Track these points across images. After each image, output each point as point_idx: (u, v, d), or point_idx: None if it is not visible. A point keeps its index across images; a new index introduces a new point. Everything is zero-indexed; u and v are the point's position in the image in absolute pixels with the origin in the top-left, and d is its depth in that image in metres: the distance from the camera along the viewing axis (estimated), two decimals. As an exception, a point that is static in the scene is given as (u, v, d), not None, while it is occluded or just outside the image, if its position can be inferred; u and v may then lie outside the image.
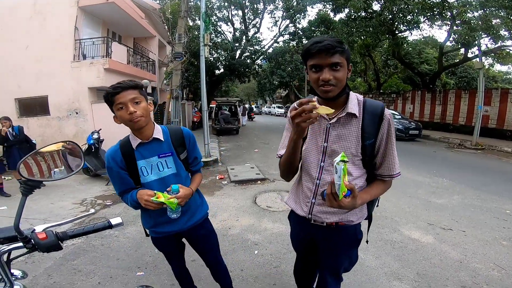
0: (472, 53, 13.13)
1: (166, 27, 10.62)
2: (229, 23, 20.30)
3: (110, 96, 1.32)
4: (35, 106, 8.00)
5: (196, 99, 19.38)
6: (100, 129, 6.17)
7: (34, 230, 0.94)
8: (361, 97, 1.27)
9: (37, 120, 7.88)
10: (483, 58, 11.33)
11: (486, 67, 15.43)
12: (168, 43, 14.30)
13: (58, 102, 7.71)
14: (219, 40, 18.85)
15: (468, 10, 10.61)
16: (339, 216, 1.31)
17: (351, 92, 1.25)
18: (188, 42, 9.59)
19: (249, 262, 2.69)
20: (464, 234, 3.24)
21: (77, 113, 7.65)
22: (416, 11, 11.64)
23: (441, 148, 9.95)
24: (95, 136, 5.90)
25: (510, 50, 12.93)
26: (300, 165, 1.39)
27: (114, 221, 1.08)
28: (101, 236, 3.20)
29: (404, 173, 5.81)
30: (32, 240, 0.90)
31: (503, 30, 10.07)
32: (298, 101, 1.09)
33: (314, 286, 1.79)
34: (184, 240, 1.79)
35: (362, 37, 14.75)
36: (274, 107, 34.45)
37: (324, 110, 1.01)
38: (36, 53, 7.62)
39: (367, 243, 1.58)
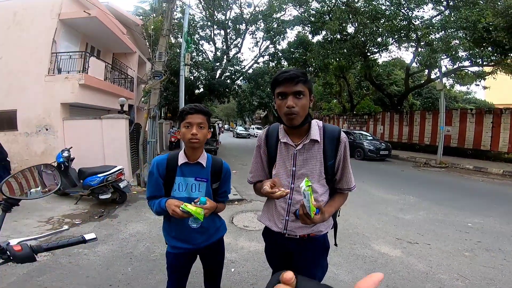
0: (435, 74, 14.12)
1: (147, 43, 10.56)
2: (211, 42, 20.45)
3: (184, 114, 1.52)
4: (2, 120, 7.56)
5: (174, 118, 19.14)
6: (71, 147, 5.94)
7: (9, 243, 0.97)
8: (320, 123, 1.43)
9: (4, 135, 7.32)
10: (444, 79, 12.27)
11: (447, 87, 16.51)
12: (148, 60, 14.10)
13: (28, 117, 7.34)
14: (200, 58, 18.95)
15: (431, 32, 11.60)
16: (310, 229, 1.44)
17: (312, 120, 1.40)
18: (169, 60, 9.56)
19: (226, 280, 2.67)
20: (429, 247, 3.44)
21: (47, 129, 7.28)
22: (385, 33, 12.58)
23: (408, 167, 10.51)
24: (65, 154, 5.67)
25: (468, 70, 14.17)
26: None
27: (88, 236, 1.09)
28: (69, 253, 3.10)
29: (374, 192, 6.28)
30: (8, 252, 0.93)
31: (461, 51, 10.94)
32: (270, 183, 1.28)
33: None
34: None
35: (337, 59, 15.42)
36: (253, 128, 34.07)
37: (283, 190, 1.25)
38: (9, 65, 7.34)
39: (336, 245, 1.70)
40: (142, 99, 8.79)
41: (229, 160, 11.82)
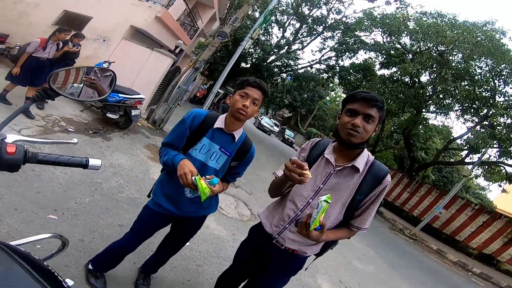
0: (470, 158, 13.23)
1: (228, 4, 10.32)
2: (281, 29, 19.96)
3: (245, 83, 1.47)
4: (73, 21, 8.02)
5: (209, 77, 19.14)
6: (113, 61, 6.15)
7: (5, 138, 0.78)
8: (372, 157, 1.38)
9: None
10: (475, 167, 11.67)
11: (471, 176, 15.47)
12: (220, 19, 14.17)
13: (96, 26, 7.78)
14: (263, 38, 18.62)
15: (505, 115, 10.17)
16: (299, 246, 1.45)
17: (365, 150, 1.36)
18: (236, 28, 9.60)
19: (175, 250, 2.77)
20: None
21: (104, 40, 7.71)
22: (459, 97, 11.20)
23: (384, 226, 10.69)
24: (105, 65, 5.84)
25: (504, 168, 12.71)
26: (287, 192, 1.51)
27: (92, 161, 0.88)
28: None
29: None
30: None
31: None
32: (295, 159, 1.16)
33: None
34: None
35: (390, 101, 13.80)
36: (272, 123, 29.73)
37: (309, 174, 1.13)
38: None
39: (305, 270, 1.73)
40: (194, 49, 8.96)
41: None
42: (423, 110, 14.03)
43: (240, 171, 1.70)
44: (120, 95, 5.19)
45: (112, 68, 6.09)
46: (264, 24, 8.22)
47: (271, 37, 19.88)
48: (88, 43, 7.63)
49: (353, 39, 17.35)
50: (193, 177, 1.32)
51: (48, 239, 0.89)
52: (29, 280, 0.57)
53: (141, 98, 5.52)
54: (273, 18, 17.86)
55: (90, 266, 1.88)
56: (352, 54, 17.98)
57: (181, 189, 1.48)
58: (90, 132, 4.59)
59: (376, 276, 4.81)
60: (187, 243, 2.75)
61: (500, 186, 15.58)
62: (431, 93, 12.76)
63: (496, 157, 11.79)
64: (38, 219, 2.19)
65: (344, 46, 17.65)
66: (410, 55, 13.96)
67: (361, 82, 16.27)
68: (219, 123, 1.52)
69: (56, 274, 0.65)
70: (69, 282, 1.75)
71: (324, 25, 18.52)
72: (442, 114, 13.38)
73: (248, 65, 19.07)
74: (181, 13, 9.80)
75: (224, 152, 1.55)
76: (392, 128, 19.77)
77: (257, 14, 17.03)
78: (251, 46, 17.55)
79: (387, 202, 14.32)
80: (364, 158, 1.33)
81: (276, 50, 18.73)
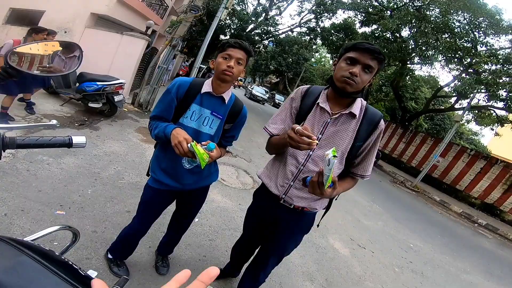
0: (459, 104, 13.67)
1: None
2: None
3: (226, 45, 1.41)
4: (25, 18, 7.48)
5: (189, 54, 18.54)
6: (83, 51, 5.74)
7: None
8: (364, 102, 1.37)
9: (21, 29, 7.16)
10: (466, 112, 11.93)
11: (463, 122, 15.93)
12: None
13: (52, 19, 7.14)
14: (239, 8, 18.14)
15: (488, 62, 10.60)
16: (308, 203, 1.43)
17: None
18: (208, 0, 9.10)
19: (186, 228, 2.79)
20: (372, 255, 3.77)
21: (65, 32, 7.14)
22: (441, 49, 11.55)
23: (386, 180, 10.89)
24: None
25: (495, 112, 13.26)
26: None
27: (76, 139, 0.85)
28: (31, 160, 2.82)
29: (350, 192, 6.40)
30: None
31: (504, 90, 10.35)
32: (299, 129, 1.09)
33: (246, 266, 1.93)
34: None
35: None
36: (261, 90, 28.24)
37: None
38: None
39: (318, 226, 1.73)
40: (167, 28, 8.63)
41: None
42: (408, 62, 14.44)
43: (235, 134, 1.67)
44: (98, 83, 4.97)
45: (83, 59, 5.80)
46: None
47: (247, 6, 19.48)
48: (50, 37, 7.20)
49: None
50: (189, 144, 1.26)
51: (60, 234, 0.96)
52: (44, 272, 0.55)
53: (121, 83, 5.31)
54: None
55: (109, 255, 1.90)
56: (331, 15, 17.80)
57: (179, 161, 1.43)
58: (76, 124, 4.45)
59: (385, 232, 4.86)
60: (196, 219, 2.84)
61: (492, 129, 16.07)
62: (413, 46, 13.07)
63: (485, 101, 12.16)
64: (46, 216, 2.20)
65: (322, 7, 17.34)
66: (388, 11, 14.07)
67: (343, 41, 16.25)
68: (207, 87, 1.47)
69: (75, 266, 0.62)
70: (93, 273, 1.80)
71: None
72: (427, 65, 13.77)
73: (228, 37, 18.60)
74: None
75: (216, 116, 1.51)
76: (380, 81, 20.07)
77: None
78: (228, 18, 17.05)
79: (385, 155, 14.57)
80: (358, 104, 1.32)
81: (254, 19, 18.26)
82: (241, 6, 18.70)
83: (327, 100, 1.34)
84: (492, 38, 11.68)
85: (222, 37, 18.28)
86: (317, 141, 1.08)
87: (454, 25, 11.77)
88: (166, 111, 1.47)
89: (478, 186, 10.94)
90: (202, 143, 1.33)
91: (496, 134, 16.86)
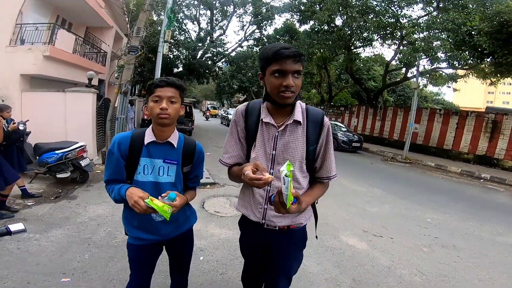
0: (411, 73, 14.69)
1: (127, 19, 10.10)
2: (195, 22, 19.79)
3: (153, 86, 1.35)
4: None
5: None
6: (28, 120, 5.36)
7: None
8: (304, 105, 1.35)
9: None
10: (419, 78, 12.78)
11: (421, 87, 17.13)
12: (126, 36, 13.62)
13: None
14: (182, 38, 18.25)
15: (416, 31, 11.91)
16: (290, 219, 1.38)
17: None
18: (148, 37, 9.32)
19: (194, 268, 2.59)
20: (392, 241, 3.60)
21: (3, 100, 6.60)
22: (372, 28, 12.71)
23: (377, 160, 10.98)
24: (21, 127, 5.14)
25: (443, 72, 14.98)
26: None
27: (14, 227, 0.90)
28: (17, 239, 2.85)
29: (345, 183, 6.40)
30: None
31: (441, 52, 11.39)
32: (252, 166, 1.11)
33: None
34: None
35: (321, 50, 15.59)
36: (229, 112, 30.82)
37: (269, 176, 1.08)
38: None
39: (317, 238, 1.67)
40: (116, 74, 8.46)
41: (204, 142, 11.80)
42: (352, 48, 15.46)
43: (198, 173, 1.62)
44: (57, 152, 4.74)
45: (31, 127, 5.35)
46: (171, 24, 8.02)
47: (189, 34, 19.64)
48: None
49: (263, 8, 18.07)
50: (145, 201, 1.23)
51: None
52: None
53: (82, 146, 5.08)
54: (180, 15, 17.65)
55: None
56: (270, 22, 18.71)
57: (148, 216, 1.41)
58: (52, 198, 4.29)
59: (395, 213, 4.70)
60: (201, 258, 2.85)
61: (449, 87, 17.36)
62: (349, 32, 14.06)
63: (430, 65, 13.42)
64: (54, 285, 2.24)
65: (259, 16, 18.14)
66: (317, 5, 15.02)
67: (290, 43, 16.98)
68: (149, 137, 1.41)
69: None
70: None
71: (232, 4, 18.84)
72: (368, 46, 14.85)
73: (181, 68, 18.70)
74: (73, 44, 9.14)
75: (170, 163, 1.45)
76: (337, 71, 21.18)
77: (164, 17, 16.68)
78: (175, 49, 17.38)
79: (366, 136, 14.91)
80: (299, 109, 1.32)
81: (200, 44, 18.55)
82: (184, 35, 18.90)
83: (269, 114, 1.33)
84: (407, 10, 13.15)
85: (175, 70, 18.34)
86: (271, 177, 1.07)
87: (373, 5, 12.91)
88: (116, 172, 1.41)
89: (463, 141, 11.33)
90: (162, 195, 1.30)
91: (455, 89, 18.11)
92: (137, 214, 1.39)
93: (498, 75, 11.67)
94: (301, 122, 1.30)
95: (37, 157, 4.87)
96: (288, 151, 1.31)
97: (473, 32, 10.33)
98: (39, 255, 2.64)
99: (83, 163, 4.94)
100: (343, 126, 13.89)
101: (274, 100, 1.24)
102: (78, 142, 5.06)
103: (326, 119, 1.35)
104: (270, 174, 1.30)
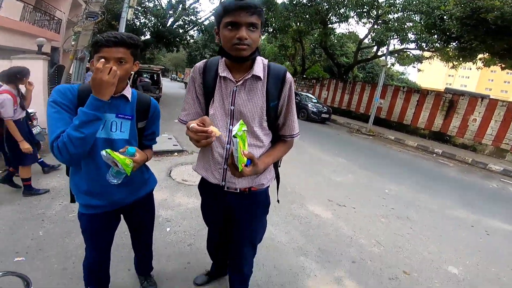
0: (381, 52, 15.26)
1: None
2: None
3: (98, 45, 1.18)
4: None
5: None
6: None
7: None
8: (266, 61, 1.30)
9: None
10: (388, 57, 13.16)
11: (389, 66, 17.90)
12: (85, 2, 12.32)
13: None
14: (151, 4, 16.98)
15: (391, 12, 12.22)
16: (251, 180, 1.35)
17: (258, 57, 1.25)
18: (111, 4, 8.83)
19: (160, 240, 2.54)
20: (354, 211, 3.78)
21: None
22: (350, 6, 12.85)
23: (343, 131, 11.41)
24: None
25: (411, 53, 15.74)
26: None
27: None
28: None
29: (312, 152, 6.57)
30: None
31: (411, 33, 11.80)
32: (198, 121, 1.04)
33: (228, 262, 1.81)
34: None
35: (298, 23, 15.47)
36: None
37: (215, 130, 1.02)
38: None
39: (278, 202, 1.64)
40: (72, 41, 7.74)
41: (171, 109, 11.43)
42: (328, 23, 15.66)
43: (155, 129, 1.53)
44: None
45: None
46: None
47: (159, 1, 18.22)
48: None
49: None
50: (104, 152, 1.12)
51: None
52: None
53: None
54: None
55: None
56: None
57: (101, 177, 1.26)
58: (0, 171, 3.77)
59: (358, 184, 4.91)
60: (168, 229, 2.76)
61: (414, 67, 18.18)
62: (327, 6, 14.20)
63: (399, 45, 14.03)
64: (7, 264, 2.08)
65: None
66: None
67: (266, 14, 16.34)
68: None
69: None
70: None
71: None
72: (344, 22, 15.07)
73: (148, 36, 17.42)
74: (20, 11, 8.52)
75: (123, 118, 1.33)
76: (311, 45, 21.11)
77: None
78: (142, 17, 16.38)
79: (335, 109, 15.39)
80: (260, 65, 1.26)
81: (171, 12, 17.44)
82: (152, 2, 17.67)
83: (227, 69, 1.26)
84: None
85: (142, 37, 17.05)
86: (217, 132, 1.02)
87: None
88: (63, 126, 1.14)
89: (421, 117, 12.14)
90: (120, 150, 1.21)
91: (419, 70, 19.09)
92: (87, 174, 1.28)
93: (461, 59, 12.33)
94: (261, 78, 1.25)
95: None
96: (247, 106, 1.26)
97: (444, 17, 10.64)
98: (-13, 233, 2.40)
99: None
100: (314, 98, 14.21)
101: (230, 55, 1.17)
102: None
103: (288, 75, 1.29)
104: (229, 130, 1.28)
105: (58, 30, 11.37)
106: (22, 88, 3.31)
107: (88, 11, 6.39)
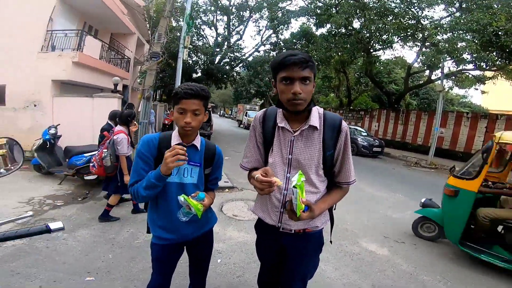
0: (435, 75, 14.24)
1: (148, 25, 10.41)
2: (212, 28, 20.23)
3: (178, 97, 1.37)
4: None
5: (169, 101, 18.91)
6: (59, 124, 5.74)
7: None
8: (321, 110, 1.36)
9: None
10: (444, 80, 12.32)
11: (446, 89, 16.17)
12: (147, 42, 14.00)
13: (17, 92, 7.09)
14: (200, 43, 18.76)
15: (438, 33, 11.59)
16: (306, 223, 1.38)
17: (313, 107, 1.33)
18: (168, 43, 9.52)
19: (211, 271, 2.57)
20: (415, 247, 3.46)
21: (35, 105, 7.06)
22: (392, 31, 12.43)
23: (399, 165, 10.60)
24: (52, 131, 5.43)
25: (470, 74, 14.34)
26: None
27: (53, 225, 0.97)
28: (47, 238, 2.98)
29: (365, 188, 6.23)
30: None
31: (466, 53, 11.02)
32: (262, 171, 1.18)
33: None
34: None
35: (340, 53, 15.36)
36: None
37: (278, 181, 1.14)
38: (0, 41, 7.01)
39: (331, 243, 1.66)
40: (138, 80, 8.74)
41: (222, 146, 11.83)
42: (371, 50, 15.29)
43: (218, 175, 1.69)
44: (85, 155, 4.96)
45: (61, 131, 5.73)
46: (190, 30, 8.30)
47: (207, 40, 20.12)
48: (21, 114, 7.08)
49: (280, 11, 18.12)
50: (182, 198, 1.32)
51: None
52: None
53: None
54: (198, 20, 18.10)
55: None
56: (286, 26, 18.72)
57: (173, 215, 1.46)
58: (80, 199, 4.49)
59: None
60: (218, 260, 2.88)
61: (476, 89, 16.50)
62: (368, 34, 13.80)
63: (455, 67, 12.96)
64: (79, 284, 2.34)
65: (275, 21, 18.23)
66: (333, 9, 14.77)
67: (307, 47, 16.81)
68: (176, 139, 1.48)
69: None
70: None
71: (248, 9, 19.13)
72: (388, 48, 14.49)
73: (199, 74, 19.04)
74: (99, 50, 9.41)
75: (193, 165, 1.52)
76: (356, 75, 20.73)
77: (182, 24, 17.28)
78: (193, 55, 17.78)
79: (388, 141, 14.44)
80: (316, 115, 1.32)
81: (218, 49, 18.92)
82: (202, 40, 19.41)
83: (285, 119, 1.35)
84: (428, 11, 12.72)
85: (194, 75, 18.74)
86: (279, 182, 1.13)
87: (391, 7, 12.67)
88: (143, 174, 1.44)
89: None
90: (192, 195, 1.37)
91: (483, 92, 17.19)
92: (163, 213, 1.51)
93: (528, 75, 10.95)
94: (318, 127, 1.31)
95: (67, 160, 5.13)
96: (304, 155, 1.32)
97: (499, 33, 9.86)
98: (66, 254, 2.78)
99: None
100: (363, 131, 13.54)
101: (286, 108, 1.27)
102: None
103: (344, 124, 1.35)
104: (286, 177, 1.35)
105: (127, 68, 12.30)
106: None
107: (152, 52, 7.11)
